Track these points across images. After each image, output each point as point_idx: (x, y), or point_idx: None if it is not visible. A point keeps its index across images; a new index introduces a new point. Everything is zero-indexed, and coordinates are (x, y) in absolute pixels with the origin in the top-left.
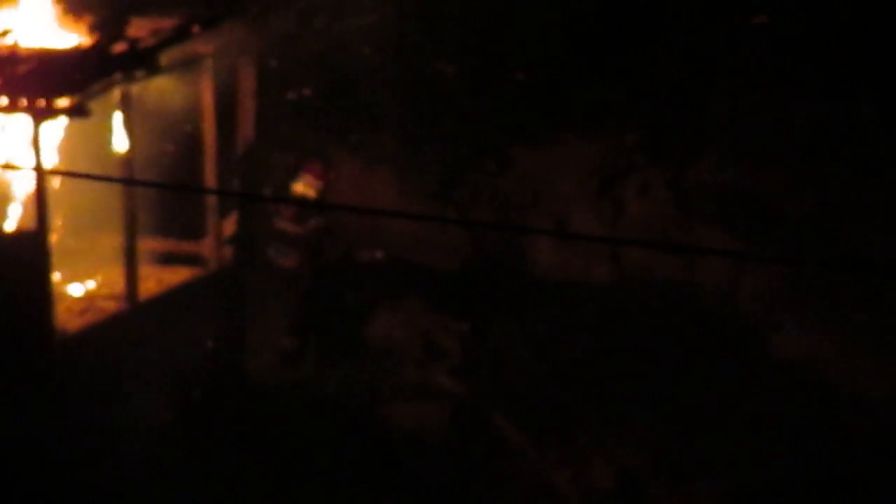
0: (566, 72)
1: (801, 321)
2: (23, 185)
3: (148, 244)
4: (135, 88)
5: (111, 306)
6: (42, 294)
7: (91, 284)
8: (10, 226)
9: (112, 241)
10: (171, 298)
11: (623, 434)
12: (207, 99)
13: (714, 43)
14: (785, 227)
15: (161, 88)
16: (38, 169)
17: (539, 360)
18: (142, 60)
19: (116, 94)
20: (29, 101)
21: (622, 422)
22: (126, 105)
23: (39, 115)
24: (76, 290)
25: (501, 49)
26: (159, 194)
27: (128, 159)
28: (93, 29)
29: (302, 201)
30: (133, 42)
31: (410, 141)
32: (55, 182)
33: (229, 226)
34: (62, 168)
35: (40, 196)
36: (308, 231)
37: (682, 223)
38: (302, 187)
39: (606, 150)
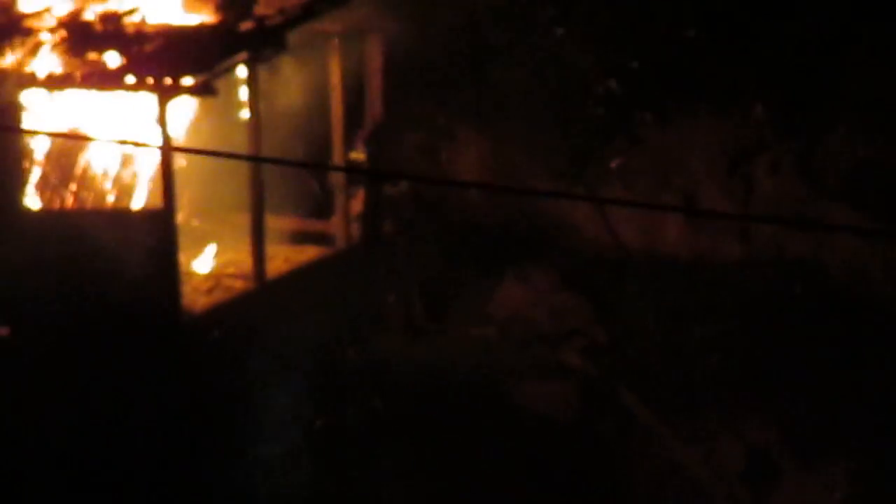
0: (696, 49)
1: None
2: (150, 164)
3: (275, 223)
4: (262, 67)
5: (238, 285)
6: (169, 273)
7: (218, 263)
8: (137, 205)
9: (239, 220)
10: (298, 277)
11: (753, 413)
12: (335, 77)
13: (845, 16)
14: None
15: (289, 67)
16: (165, 147)
17: (669, 338)
18: (269, 39)
19: (244, 72)
20: (155, 80)
21: (752, 400)
22: (253, 84)
23: (166, 94)
24: (203, 268)
25: (631, 27)
26: (287, 173)
27: (255, 138)
28: (220, 7)
29: (425, 177)
30: (260, 20)
31: (539, 119)
32: (182, 161)
33: (357, 204)
34: (190, 146)
35: (167, 175)
36: (397, 196)
37: (812, 200)
38: (354, 154)
39: (737, 127)
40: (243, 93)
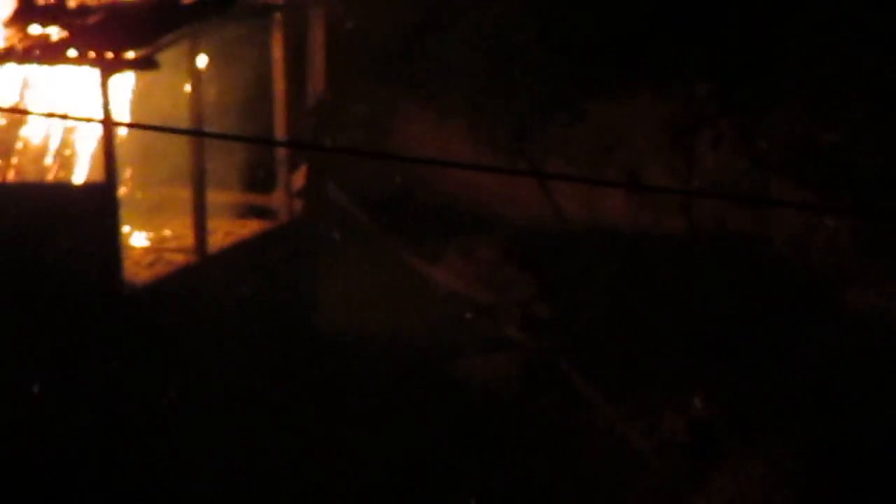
0: (639, 24)
1: (872, 273)
2: (91, 138)
3: (217, 197)
4: (205, 41)
5: (180, 259)
6: (111, 246)
7: (160, 237)
8: (79, 178)
9: (181, 194)
10: (240, 251)
11: (696, 387)
12: (278, 51)
13: None
14: (857, 178)
15: (231, 40)
16: (107, 121)
17: (611, 312)
18: (211, 12)
19: (186, 45)
20: (97, 54)
21: (695, 375)
22: (195, 57)
23: (108, 68)
24: (145, 242)
25: (573, 1)
26: (229, 147)
27: (196, 111)
28: None
29: (373, 152)
30: None
31: (483, 94)
32: (124, 134)
33: (299, 178)
34: (131, 120)
35: (109, 149)
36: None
37: (754, 176)
38: None
39: (679, 102)
40: (184, 65)
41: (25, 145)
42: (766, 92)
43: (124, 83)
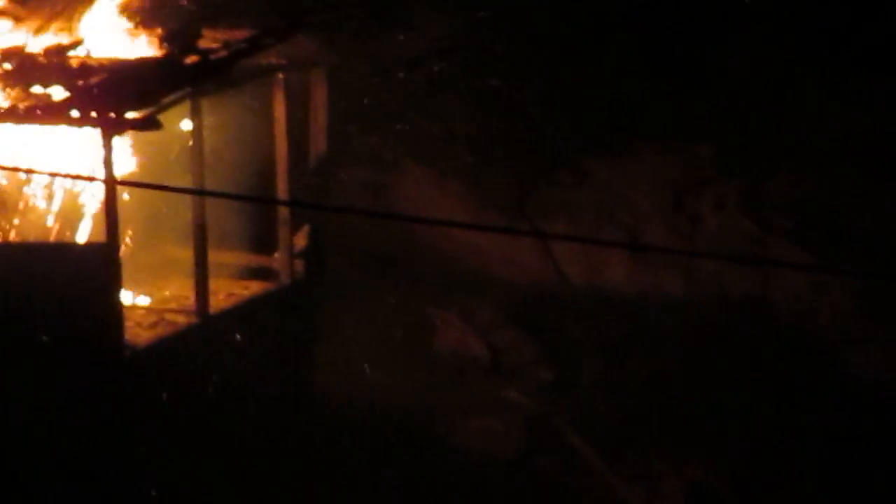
0: (642, 85)
1: (876, 337)
2: (93, 198)
3: (219, 257)
4: (206, 100)
5: (181, 320)
6: (112, 307)
7: (161, 298)
8: (80, 238)
9: (182, 254)
10: (241, 312)
11: (696, 450)
12: (279, 111)
13: (788, 57)
14: (861, 241)
15: (233, 101)
16: (109, 181)
17: (612, 375)
18: (213, 72)
19: (188, 106)
20: (99, 113)
21: (695, 437)
22: (197, 117)
23: (110, 127)
24: (146, 303)
25: (576, 63)
26: (230, 207)
27: (198, 171)
28: (164, 40)
29: (374, 212)
30: (205, 54)
31: (484, 154)
32: (126, 194)
33: (301, 239)
34: (133, 180)
35: (110, 208)
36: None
37: (757, 238)
38: None
39: (682, 164)
40: (188, 126)
41: (27, 205)
42: (769, 154)
43: (127, 143)
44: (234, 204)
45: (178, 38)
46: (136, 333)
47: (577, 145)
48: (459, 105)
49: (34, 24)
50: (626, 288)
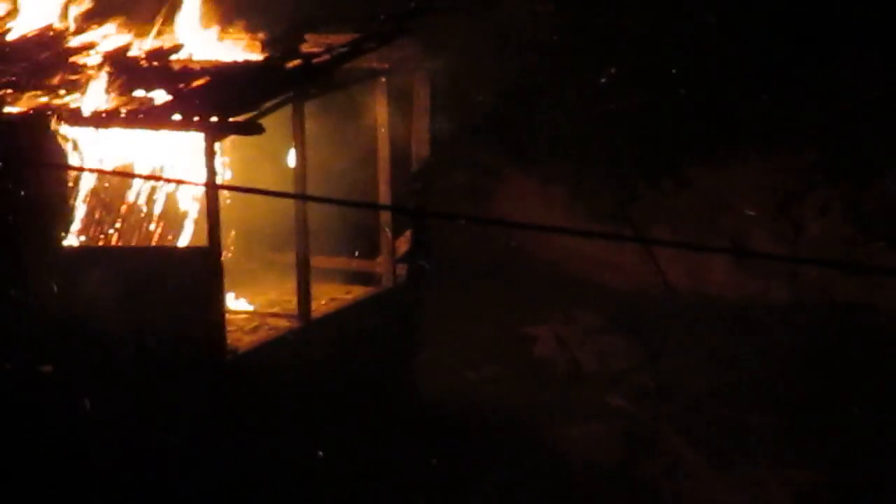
0: (745, 89)
1: None
2: (195, 202)
3: (321, 262)
4: (308, 105)
5: (283, 324)
6: (213, 311)
7: (263, 302)
8: (182, 242)
9: (284, 259)
10: (343, 316)
11: (801, 457)
12: (381, 116)
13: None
14: None
15: (335, 105)
16: (211, 185)
17: (716, 381)
18: (316, 77)
19: (290, 110)
20: (202, 118)
21: (801, 444)
22: (299, 121)
23: (212, 132)
24: (248, 307)
25: (680, 67)
26: (332, 212)
27: (301, 176)
28: (267, 44)
29: (477, 218)
30: (307, 58)
31: (587, 160)
32: (228, 199)
33: (403, 244)
34: (235, 184)
35: (212, 212)
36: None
37: (862, 244)
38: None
39: (785, 169)
40: (290, 130)
41: (129, 209)
42: (874, 159)
43: (229, 147)
44: (336, 208)
45: (280, 43)
46: (238, 338)
47: (679, 151)
48: (563, 111)
49: (136, 28)
50: (731, 293)
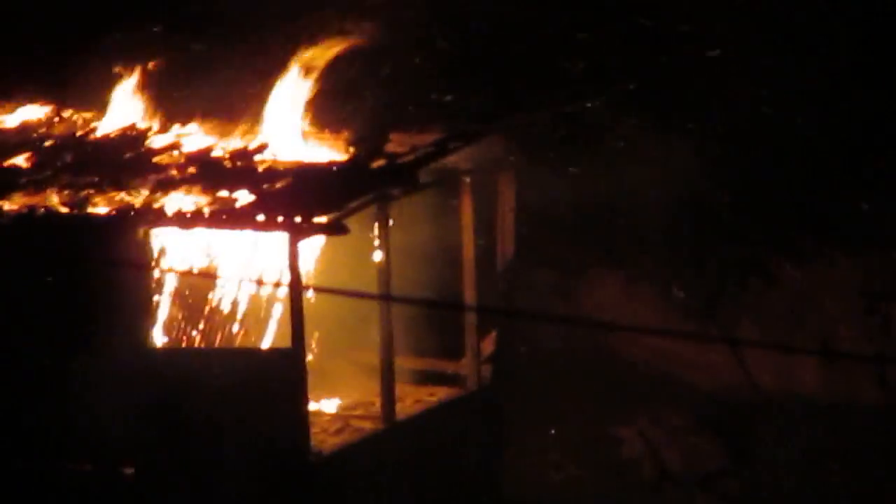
0: (835, 188)
1: None
2: (279, 303)
3: (405, 362)
4: (392, 204)
5: (368, 426)
6: (297, 412)
7: (347, 404)
8: (266, 343)
9: (368, 359)
10: (428, 418)
11: None
12: (466, 215)
13: None
14: None
15: (419, 204)
16: (295, 285)
17: (805, 484)
18: (400, 176)
19: (373, 209)
20: (285, 218)
21: None
22: (383, 221)
23: (296, 232)
24: (332, 408)
25: (768, 166)
26: (416, 311)
27: (385, 276)
28: (351, 144)
29: (563, 317)
30: (392, 157)
31: (674, 259)
32: (312, 299)
33: (488, 344)
34: (318, 285)
35: (296, 313)
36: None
37: None
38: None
39: (874, 268)
40: (373, 230)
41: (213, 310)
42: None
43: (312, 247)
44: (421, 309)
45: (365, 142)
46: (323, 439)
47: (767, 249)
48: (649, 210)
49: (220, 127)
50: (820, 394)
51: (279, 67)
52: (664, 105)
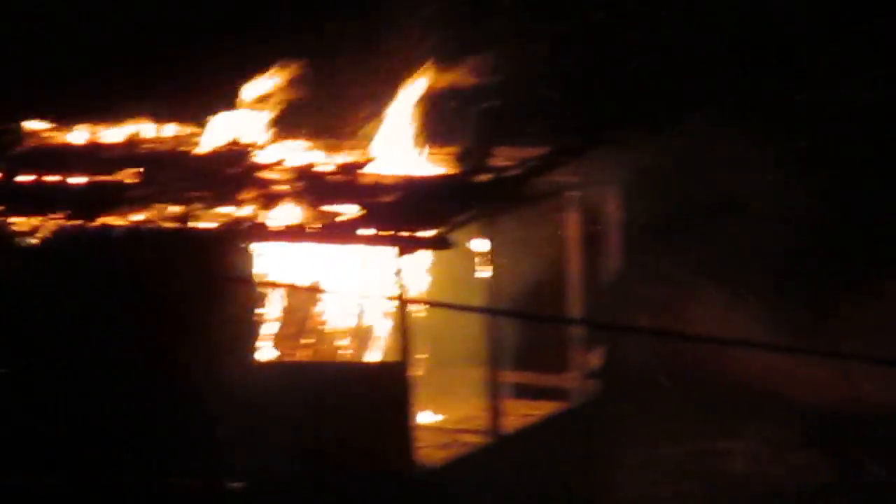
0: None
1: None
2: (385, 317)
3: (511, 377)
4: (498, 219)
5: (474, 440)
6: (403, 426)
7: (453, 418)
8: (373, 357)
9: (473, 373)
10: (534, 433)
11: None
12: (573, 229)
13: None
14: None
15: (525, 218)
16: (401, 300)
17: None
18: (506, 190)
19: (479, 224)
20: (392, 232)
21: None
22: (490, 235)
23: (403, 246)
24: (438, 422)
25: (876, 179)
26: (522, 325)
27: (492, 290)
28: (457, 158)
29: (668, 332)
30: (497, 172)
31: (780, 273)
32: (418, 313)
33: (593, 359)
34: (425, 299)
35: (403, 328)
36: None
37: None
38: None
39: None
40: (477, 245)
41: (319, 324)
42: None
43: (418, 261)
44: (526, 323)
45: (470, 156)
46: (429, 454)
47: (876, 263)
48: (755, 224)
49: (325, 141)
50: None
51: (388, 86)
52: (773, 119)
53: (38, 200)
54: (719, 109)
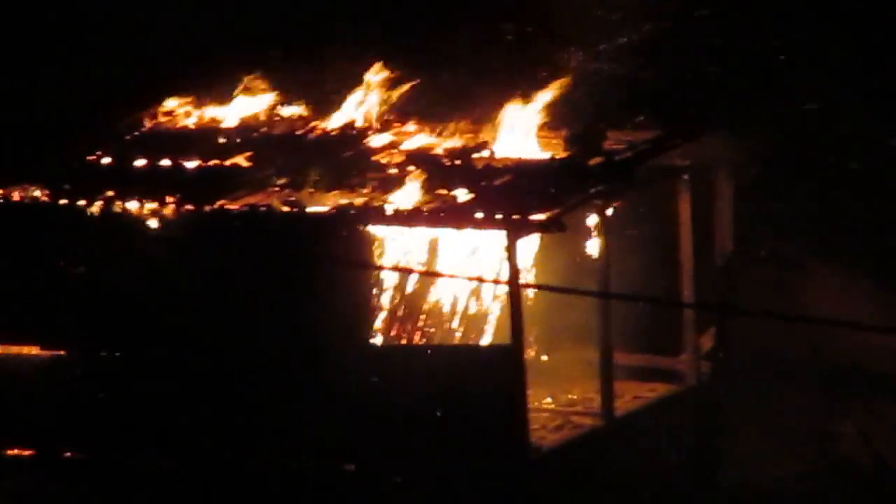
0: None
1: None
2: (498, 300)
3: (623, 359)
4: (610, 202)
5: (587, 422)
6: (517, 409)
7: (566, 400)
8: (485, 340)
9: (586, 355)
10: (647, 415)
11: None
12: (684, 212)
13: None
14: None
15: (637, 201)
16: (514, 283)
17: None
18: (618, 174)
19: (591, 206)
20: (504, 215)
21: None
22: (601, 218)
23: (515, 230)
24: (551, 405)
25: None
26: (634, 308)
27: (603, 273)
28: (569, 142)
29: (781, 314)
30: (609, 155)
31: (893, 252)
32: (530, 296)
33: (707, 341)
34: (536, 282)
35: (515, 311)
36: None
37: None
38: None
39: None
40: (589, 227)
41: (432, 307)
42: None
43: (530, 244)
44: (639, 305)
45: (582, 140)
46: (542, 436)
47: None
48: (867, 203)
49: (439, 126)
50: None
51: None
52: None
53: (152, 184)
54: (832, 92)
